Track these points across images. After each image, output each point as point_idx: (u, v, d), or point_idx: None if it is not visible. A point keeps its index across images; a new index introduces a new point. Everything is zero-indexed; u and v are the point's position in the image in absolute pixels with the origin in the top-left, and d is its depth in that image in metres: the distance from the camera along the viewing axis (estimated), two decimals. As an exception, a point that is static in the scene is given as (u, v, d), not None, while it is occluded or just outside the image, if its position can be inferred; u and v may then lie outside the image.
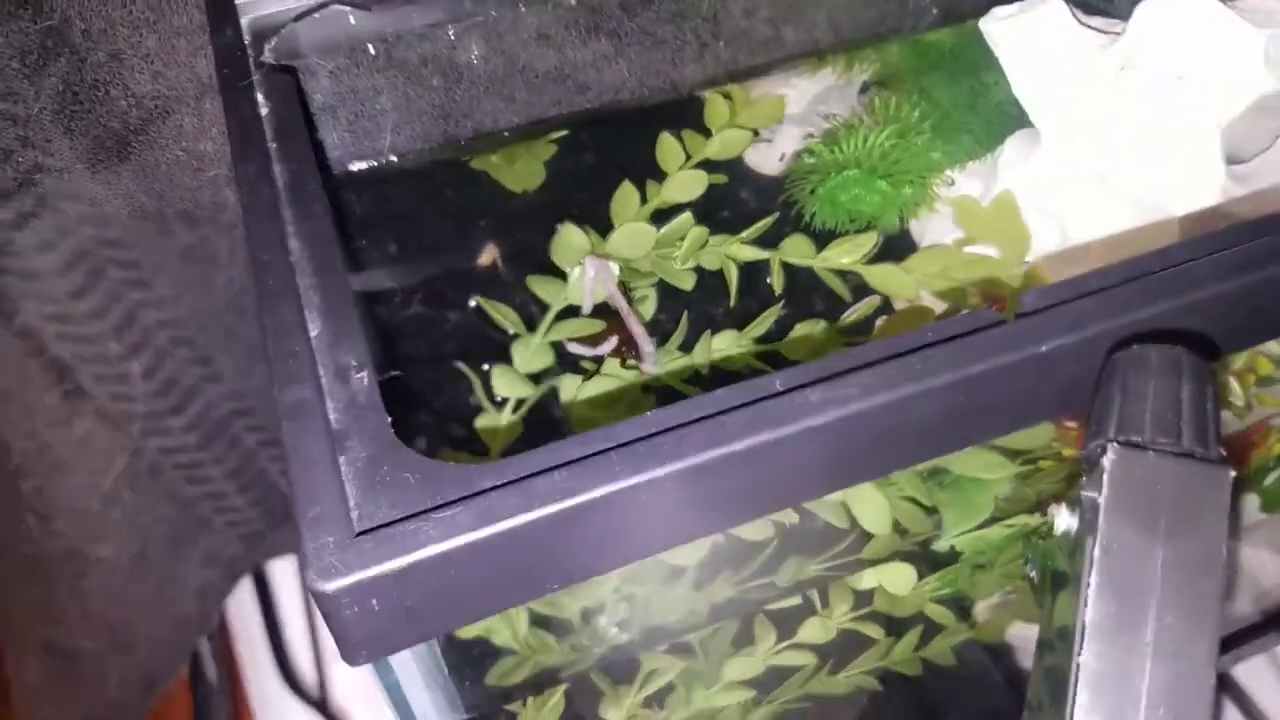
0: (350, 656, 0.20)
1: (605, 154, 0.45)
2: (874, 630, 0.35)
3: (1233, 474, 0.16)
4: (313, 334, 0.23)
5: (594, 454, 0.20)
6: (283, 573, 0.58)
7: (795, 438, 0.20)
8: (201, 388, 0.42)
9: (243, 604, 0.57)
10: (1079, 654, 0.16)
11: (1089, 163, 0.40)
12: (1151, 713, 0.15)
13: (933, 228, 0.44)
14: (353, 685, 0.56)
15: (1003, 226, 0.40)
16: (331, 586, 0.18)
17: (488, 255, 0.43)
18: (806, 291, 0.39)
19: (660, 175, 0.42)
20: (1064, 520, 0.19)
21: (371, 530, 0.19)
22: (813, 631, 0.34)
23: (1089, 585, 0.16)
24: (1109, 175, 0.40)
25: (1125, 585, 0.16)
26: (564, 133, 0.46)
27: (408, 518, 0.19)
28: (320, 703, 0.52)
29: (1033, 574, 0.29)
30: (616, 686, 0.34)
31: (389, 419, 0.22)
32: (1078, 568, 0.17)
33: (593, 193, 0.44)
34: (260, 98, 0.32)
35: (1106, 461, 0.17)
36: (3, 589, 0.42)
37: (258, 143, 0.30)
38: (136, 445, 0.40)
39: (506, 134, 0.45)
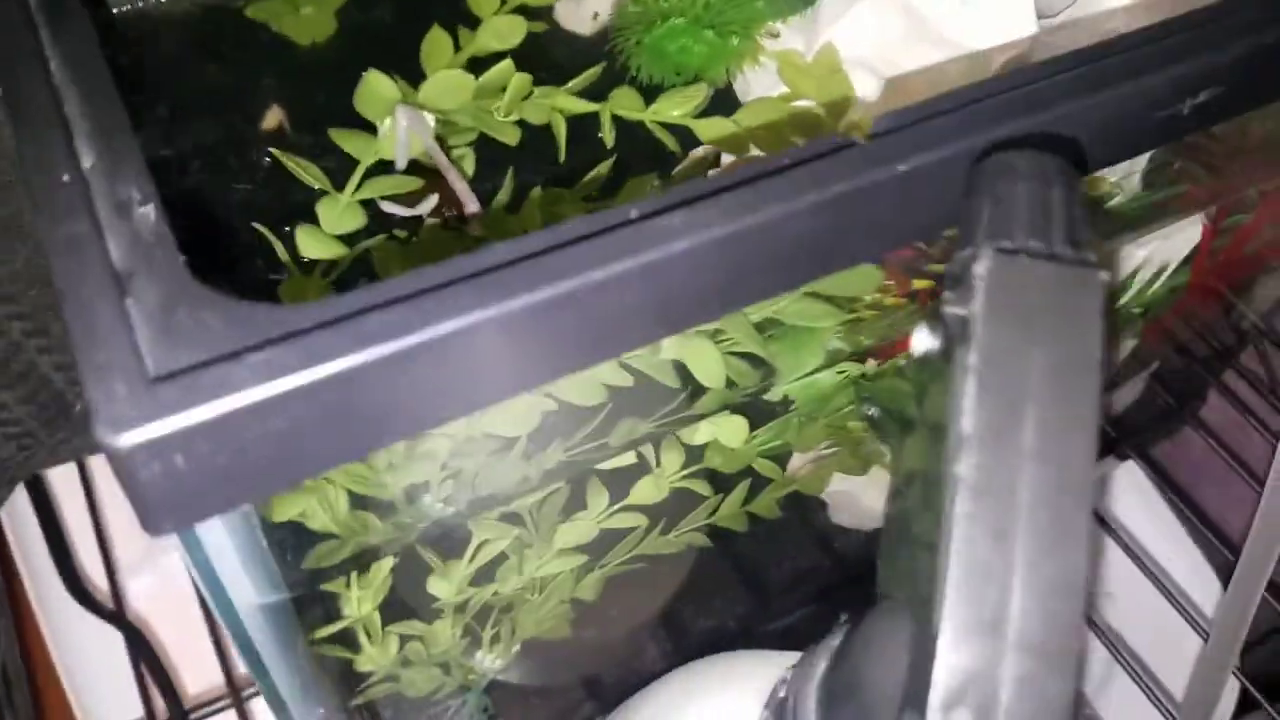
0: (154, 525, 0.17)
1: (403, 2, 0.41)
2: (703, 487, 0.35)
3: (1105, 276, 0.16)
4: (86, 165, 0.19)
5: (432, 288, 0.18)
6: (63, 479, 0.53)
7: (657, 265, 0.19)
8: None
9: (18, 514, 0.52)
10: (958, 464, 0.15)
11: (908, 13, 0.40)
12: (1032, 515, 0.15)
13: (756, 82, 0.43)
14: (152, 596, 0.52)
15: (826, 80, 0.40)
16: (128, 440, 0.16)
17: (273, 118, 0.38)
18: (635, 147, 0.37)
19: (471, 24, 0.39)
20: (923, 341, 0.19)
21: (172, 376, 0.16)
22: (645, 492, 0.33)
23: (966, 396, 0.16)
24: (926, 24, 0.40)
25: (1004, 392, 0.15)
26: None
27: (215, 360, 0.17)
28: (116, 614, 0.48)
29: (872, 412, 0.29)
30: (446, 560, 0.32)
31: (183, 257, 0.19)
32: (949, 384, 0.16)
33: (393, 45, 0.40)
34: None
35: (979, 268, 0.16)
36: None
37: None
38: None
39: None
